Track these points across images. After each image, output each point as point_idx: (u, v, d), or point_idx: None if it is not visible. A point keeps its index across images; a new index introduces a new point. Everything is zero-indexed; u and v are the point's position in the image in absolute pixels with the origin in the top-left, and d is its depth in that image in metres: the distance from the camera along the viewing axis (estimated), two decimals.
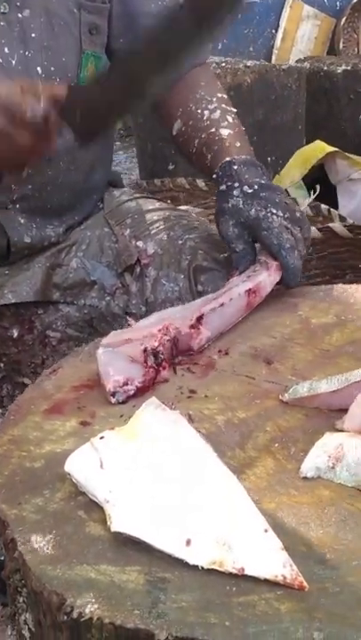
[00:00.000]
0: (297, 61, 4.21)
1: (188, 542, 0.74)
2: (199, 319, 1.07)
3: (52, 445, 0.93)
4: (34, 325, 1.37)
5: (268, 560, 0.71)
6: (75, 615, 0.71)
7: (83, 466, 0.83)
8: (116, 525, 0.76)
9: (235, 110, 1.41)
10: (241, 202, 1.20)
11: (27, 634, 0.84)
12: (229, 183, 1.23)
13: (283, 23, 5.70)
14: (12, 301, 1.33)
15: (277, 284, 1.18)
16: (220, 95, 1.42)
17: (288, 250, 1.16)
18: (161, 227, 1.39)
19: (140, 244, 1.37)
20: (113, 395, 0.99)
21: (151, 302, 1.32)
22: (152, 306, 1.31)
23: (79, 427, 0.96)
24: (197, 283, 1.32)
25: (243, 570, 0.71)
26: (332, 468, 0.82)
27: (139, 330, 1.06)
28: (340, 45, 5.75)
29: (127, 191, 1.56)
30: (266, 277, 1.16)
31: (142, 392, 0.99)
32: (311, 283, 1.89)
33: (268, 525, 0.74)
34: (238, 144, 1.32)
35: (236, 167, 1.25)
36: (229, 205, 1.21)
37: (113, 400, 0.98)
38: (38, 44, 1.30)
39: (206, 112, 1.38)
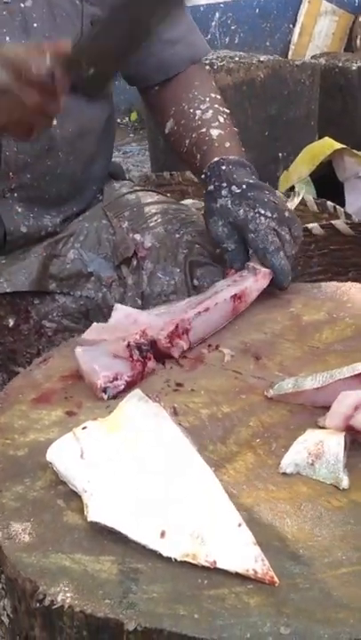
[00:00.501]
0: (312, 57, 4.19)
1: (163, 534, 0.74)
2: (177, 328, 1.06)
3: (36, 434, 0.93)
4: (30, 315, 1.37)
5: (240, 554, 0.71)
6: (46, 603, 0.71)
7: (64, 455, 0.84)
8: (93, 515, 0.77)
9: (227, 111, 1.42)
10: (229, 202, 1.21)
11: (6, 620, 0.85)
12: (217, 183, 1.24)
13: (300, 18, 5.69)
14: (8, 290, 1.34)
15: (270, 285, 1.18)
16: (213, 95, 1.43)
17: (273, 252, 1.17)
18: (159, 220, 1.39)
19: (137, 236, 1.37)
20: (104, 390, 0.98)
21: (147, 295, 1.32)
22: (148, 299, 1.32)
23: (65, 416, 0.96)
24: (193, 277, 1.32)
25: (215, 563, 0.71)
26: (312, 464, 0.82)
27: (114, 329, 1.06)
28: (358, 42, 5.73)
29: (127, 183, 1.56)
30: (252, 283, 1.16)
31: (132, 386, 0.99)
32: (313, 280, 1.89)
33: (242, 520, 0.74)
34: (228, 144, 1.33)
35: (224, 167, 1.25)
36: (218, 205, 1.22)
37: (104, 396, 0.98)
38: (40, 34, 1.30)
39: (198, 112, 1.39)
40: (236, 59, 3.41)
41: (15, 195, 1.37)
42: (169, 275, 1.33)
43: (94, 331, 1.08)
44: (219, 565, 0.71)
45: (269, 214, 1.19)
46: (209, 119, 1.37)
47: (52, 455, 0.84)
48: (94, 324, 1.10)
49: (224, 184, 1.23)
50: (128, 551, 0.75)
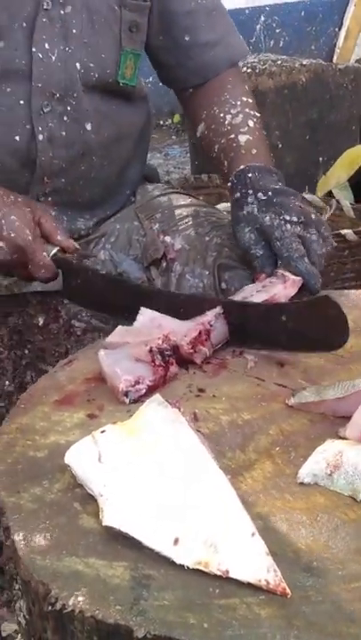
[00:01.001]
0: (356, 61, 4.16)
1: (176, 541, 0.74)
2: (200, 334, 1.05)
3: (57, 436, 0.93)
4: (59, 314, 1.38)
5: (253, 564, 0.71)
6: (58, 606, 0.71)
7: (82, 458, 0.84)
8: (108, 519, 0.77)
9: (258, 115, 1.41)
10: (255, 209, 1.21)
11: (22, 620, 0.85)
12: (244, 191, 1.24)
13: (346, 22, 5.65)
14: (39, 289, 1.35)
15: (300, 290, 1.17)
16: (244, 99, 1.43)
17: (297, 259, 1.16)
18: (190, 222, 1.39)
19: (167, 238, 1.37)
20: (125, 394, 0.98)
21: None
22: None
23: (86, 419, 0.96)
24: (222, 280, 1.32)
25: (227, 572, 0.71)
26: (330, 475, 0.81)
27: (138, 333, 1.06)
28: None
29: (160, 186, 1.57)
30: (281, 290, 1.14)
31: (153, 390, 0.98)
32: (345, 286, 1.87)
33: (256, 529, 0.73)
34: (255, 151, 1.33)
35: (250, 175, 1.25)
36: (244, 213, 1.22)
37: (126, 400, 0.98)
38: (78, 40, 1.32)
39: (228, 116, 1.39)
40: (279, 62, 3.40)
41: (49, 198, 1.38)
42: (198, 277, 1.33)
43: (118, 334, 1.08)
44: (231, 575, 0.71)
45: (295, 219, 1.18)
46: (238, 124, 1.38)
47: (71, 458, 0.84)
48: (119, 326, 1.10)
49: (250, 191, 1.23)
50: (141, 557, 0.74)
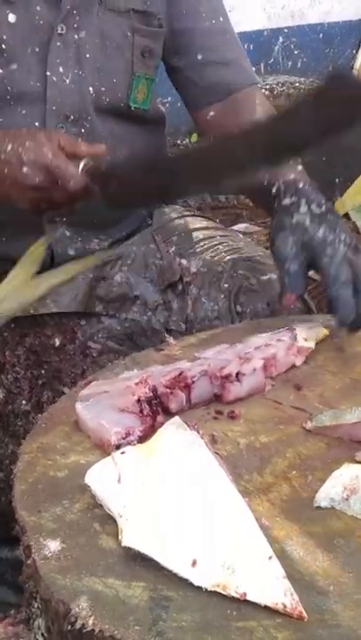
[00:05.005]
0: None
1: (194, 563, 0.75)
2: (178, 377, 1.02)
3: (77, 456, 0.95)
4: (75, 336, 1.40)
5: (270, 587, 0.72)
6: (78, 626, 0.72)
7: (101, 479, 0.85)
8: (127, 540, 0.78)
9: None
10: (308, 220, 1.14)
11: (40, 639, 0.86)
12: (295, 198, 1.16)
13: None
14: (54, 310, 1.36)
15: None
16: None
17: (344, 283, 1.10)
18: (206, 245, 1.40)
19: (183, 261, 1.39)
20: (117, 447, 0.93)
21: (191, 320, 1.34)
22: (192, 323, 1.33)
23: None
24: (237, 303, 1.32)
25: (245, 595, 0.72)
26: (346, 499, 0.82)
27: (115, 382, 1.05)
28: None
29: (177, 208, 1.58)
30: (282, 354, 1.08)
31: (143, 440, 0.94)
32: None
33: (273, 553, 0.74)
34: (300, 168, 1.28)
35: (302, 185, 1.18)
36: (293, 221, 1.14)
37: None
38: (91, 64, 1.34)
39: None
40: (297, 84, 3.43)
41: (64, 219, 1.39)
42: (213, 300, 1.34)
43: (94, 387, 1.05)
44: (248, 598, 0.72)
45: (348, 241, 1.13)
46: None
47: (91, 478, 0.86)
48: (93, 382, 1.06)
49: (303, 200, 1.15)
50: (160, 578, 0.75)
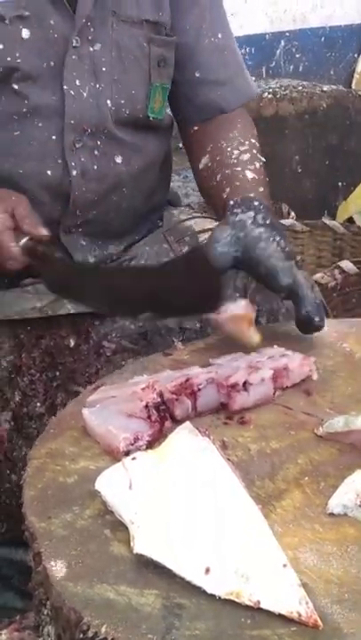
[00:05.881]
0: None
1: (208, 571, 0.74)
2: (184, 384, 1.01)
3: (86, 462, 0.94)
4: (90, 336, 1.39)
5: (285, 595, 0.71)
6: (90, 634, 0.72)
7: (112, 485, 0.84)
8: (139, 547, 0.77)
9: (264, 160, 1.39)
10: (250, 221, 1.17)
11: None
12: (244, 208, 1.19)
13: None
14: (72, 312, 1.36)
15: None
16: (253, 141, 1.41)
17: (309, 289, 1.15)
18: None
19: None
20: (127, 453, 0.92)
21: (205, 319, 1.33)
22: (206, 321, 1.32)
23: None
24: (252, 302, 1.32)
25: (259, 603, 0.71)
26: (360, 506, 0.81)
27: (122, 387, 1.04)
28: None
29: (185, 210, 1.58)
30: (296, 367, 1.07)
31: (152, 445, 0.94)
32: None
33: (287, 560, 0.73)
34: (262, 189, 1.30)
35: (256, 203, 1.20)
36: (236, 219, 1.17)
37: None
38: (109, 77, 1.33)
39: (236, 152, 1.37)
40: (300, 88, 3.42)
41: (80, 229, 1.40)
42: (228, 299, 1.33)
43: (102, 392, 1.05)
44: (262, 606, 0.71)
45: (283, 245, 1.15)
46: (246, 161, 1.36)
47: (101, 484, 0.85)
48: (102, 387, 1.06)
49: (251, 213, 1.17)
50: (172, 585, 0.75)
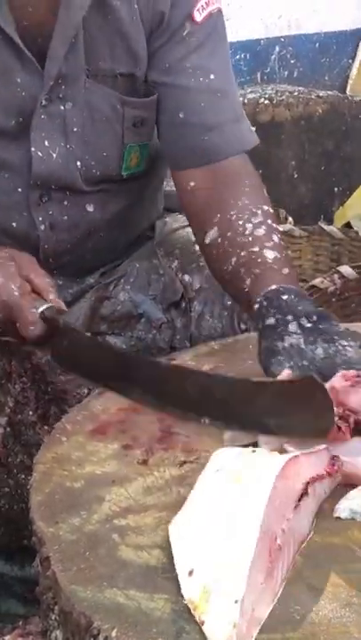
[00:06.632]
0: None
1: (191, 573, 0.74)
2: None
3: (92, 466, 0.95)
4: None
5: (219, 629, 0.69)
6: (101, 638, 0.72)
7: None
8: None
9: (280, 229, 1.24)
10: (302, 340, 0.99)
11: None
12: (280, 316, 1.02)
13: (359, 54, 5.69)
14: None
15: None
16: (265, 208, 1.22)
17: None
18: None
19: (186, 277, 1.36)
20: None
21: (195, 337, 1.31)
22: (195, 341, 1.31)
23: (121, 450, 0.97)
24: (241, 321, 1.30)
25: (203, 624, 0.70)
26: None
27: None
28: None
29: (179, 218, 1.50)
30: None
31: None
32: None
33: (242, 597, 0.69)
34: (286, 270, 1.12)
35: (285, 297, 1.04)
36: (286, 345, 0.99)
37: None
38: (79, 138, 1.26)
39: (249, 225, 1.18)
40: (296, 94, 3.45)
41: (55, 272, 1.34)
42: (217, 317, 1.32)
43: None
44: (204, 629, 0.69)
45: (353, 343, 0.98)
46: (262, 237, 1.17)
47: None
48: None
49: (289, 317, 1.01)
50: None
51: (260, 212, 1.20)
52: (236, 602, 0.69)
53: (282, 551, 0.75)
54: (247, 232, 1.17)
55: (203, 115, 1.27)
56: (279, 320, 1.01)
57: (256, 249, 1.15)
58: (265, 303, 1.05)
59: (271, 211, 1.23)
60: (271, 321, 1.02)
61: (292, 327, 0.99)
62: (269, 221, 1.20)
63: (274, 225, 1.20)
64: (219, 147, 1.28)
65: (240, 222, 1.19)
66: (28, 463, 0.98)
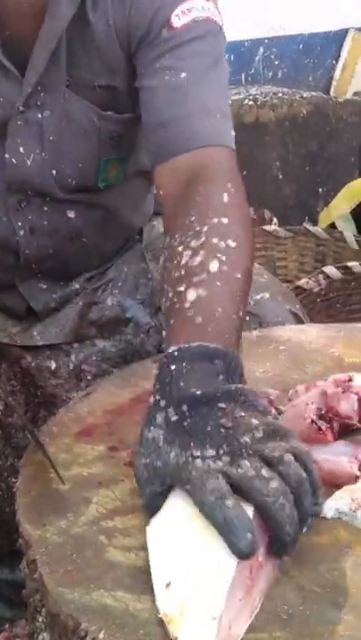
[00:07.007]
0: (354, 94, 4.22)
1: (168, 585, 0.73)
2: None
3: (79, 469, 0.94)
4: (70, 359, 1.38)
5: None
6: None
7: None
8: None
9: (232, 245, 0.99)
10: (162, 436, 0.81)
11: None
12: (158, 396, 0.84)
13: (343, 55, 5.71)
14: (40, 344, 1.34)
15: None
16: (215, 221, 1.01)
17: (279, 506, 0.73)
18: None
19: None
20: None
21: None
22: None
23: (107, 452, 0.97)
24: None
25: (176, 639, 0.69)
26: (354, 511, 0.82)
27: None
28: None
29: None
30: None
31: None
32: (351, 319, 1.90)
33: (220, 614, 0.68)
34: (199, 320, 0.91)
35: (174, 367, 0.84)
36: (149, 437, 0.83)
37: None
38: (56, 147, 1.24)
39: (187, 253, 0.98)
40: (280, 94, 3.46)
41: (38, 275, 1.34)
42: None
43: None
44: None
45: (212, 453, 0.77)
46: (194, 268, 0.96)
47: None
48: None
49: (163, 402, 0.83)
50: None
51: (205, 228, 1.00)
52: (214, 618, 0.68)
53: (263, 568, 0.74)
54: (182, 263, 0.98)
55: (158, 113, 1.17)
56: (154, 402, 0.85)
57: (182, 288, 0.95)
58: (157, 373, 0.87)
59: (225, 221, 1.01)
60: (150, 400, 0.86)
61: (160, 418, 0.83)
62: (214, 241, 0.99)
63: (220, 244, 0.98)
64: (168, 141, 1.15)
65: (179, 249, 1.00)
66: (17, 466, 0.97)
